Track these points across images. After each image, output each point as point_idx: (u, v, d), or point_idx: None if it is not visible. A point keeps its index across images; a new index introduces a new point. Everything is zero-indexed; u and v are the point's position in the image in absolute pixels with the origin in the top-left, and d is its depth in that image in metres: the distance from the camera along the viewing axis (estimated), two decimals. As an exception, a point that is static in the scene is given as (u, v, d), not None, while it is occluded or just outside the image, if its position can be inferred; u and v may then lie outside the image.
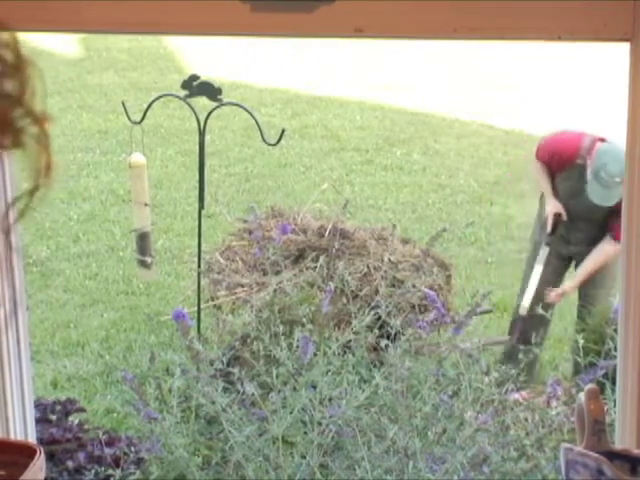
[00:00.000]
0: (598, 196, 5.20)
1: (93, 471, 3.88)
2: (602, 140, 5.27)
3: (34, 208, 0.74)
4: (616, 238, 5.28)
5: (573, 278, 5.48)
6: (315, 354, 3.91)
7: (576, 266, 5.57)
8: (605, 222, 5.34)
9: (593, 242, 5.44)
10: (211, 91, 5.02)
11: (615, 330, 3.77)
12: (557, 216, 5.50)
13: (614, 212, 5.26)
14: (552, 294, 5.41)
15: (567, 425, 3.73)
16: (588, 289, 5.50)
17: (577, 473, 1.27)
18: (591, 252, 5.40)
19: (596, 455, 1.26)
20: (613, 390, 3.27)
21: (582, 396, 1.32)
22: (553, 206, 5.50)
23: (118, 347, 6.04)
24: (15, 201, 0.71)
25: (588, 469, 1.26)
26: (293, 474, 3.75)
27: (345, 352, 4.03)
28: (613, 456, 1.28)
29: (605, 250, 5.36)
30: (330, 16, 1.65)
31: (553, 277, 5.62)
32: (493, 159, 9.59)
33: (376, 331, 4.21)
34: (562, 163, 5.41)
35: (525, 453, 3.71)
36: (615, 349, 3.71)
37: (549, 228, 5.52)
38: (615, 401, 2.10)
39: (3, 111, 0.72)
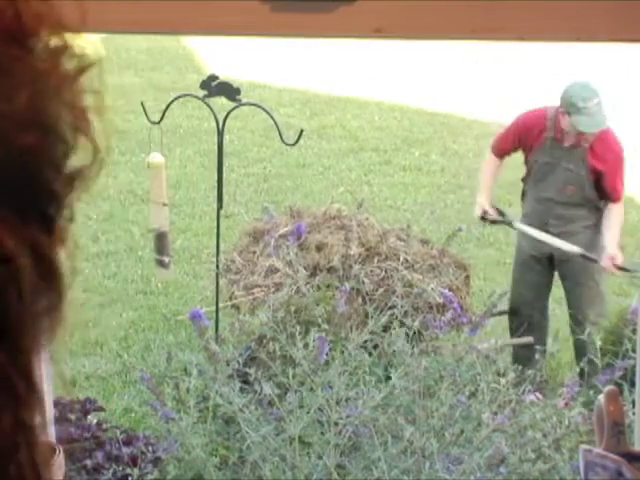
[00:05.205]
0: (586, 125, 5.15)
1: (111, 470, 3.90)
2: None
3: None
4: (615, 199, 5.23)
5: (609, 245, 5.22)
6: (332, 354, 3.91)
7: (557, 266, 5.45)
8: (585, 197, 5.28)
9: (572, 222, 5.35)
10: (230, 91, 5.02)
11: (633, 331, 3.76)
12: (484, 212, 5.48)
13: (601, 176, 5.22)
14: (607, 263, 5.19)
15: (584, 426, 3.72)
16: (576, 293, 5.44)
17: (596, 475, 1.27)
18: (602, 223, 5.25)
19: (615, 457, 1.26)
20: (631, 391, 3.25)
21: (601, 398, 1.31)
22: (484, 200, 5.51)
23: (136, 347, 6.05)
24: None
25: (607, 471, 1.26)
26: (310, 474, 3.75)
27: (361, 352, 4.03)
28: (632, 458, 1.28)
29: (616, 214, 5.25)
30: (350, 16, 1.65)
31: (539, 280, 5.53)
32: (511, 160, 9.53)
33: (392, 331, 4.21)
34: (532, 141, 5.37)
35: (542, 454, 3.70)
36: (633, 350, 3.70)
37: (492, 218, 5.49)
38: (633, 402, 2.09)
39: None
